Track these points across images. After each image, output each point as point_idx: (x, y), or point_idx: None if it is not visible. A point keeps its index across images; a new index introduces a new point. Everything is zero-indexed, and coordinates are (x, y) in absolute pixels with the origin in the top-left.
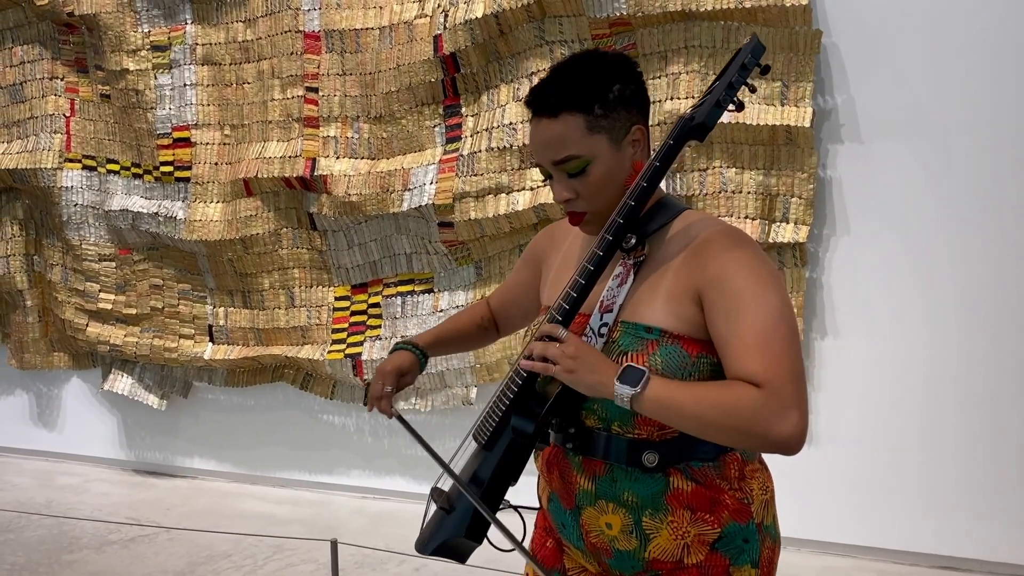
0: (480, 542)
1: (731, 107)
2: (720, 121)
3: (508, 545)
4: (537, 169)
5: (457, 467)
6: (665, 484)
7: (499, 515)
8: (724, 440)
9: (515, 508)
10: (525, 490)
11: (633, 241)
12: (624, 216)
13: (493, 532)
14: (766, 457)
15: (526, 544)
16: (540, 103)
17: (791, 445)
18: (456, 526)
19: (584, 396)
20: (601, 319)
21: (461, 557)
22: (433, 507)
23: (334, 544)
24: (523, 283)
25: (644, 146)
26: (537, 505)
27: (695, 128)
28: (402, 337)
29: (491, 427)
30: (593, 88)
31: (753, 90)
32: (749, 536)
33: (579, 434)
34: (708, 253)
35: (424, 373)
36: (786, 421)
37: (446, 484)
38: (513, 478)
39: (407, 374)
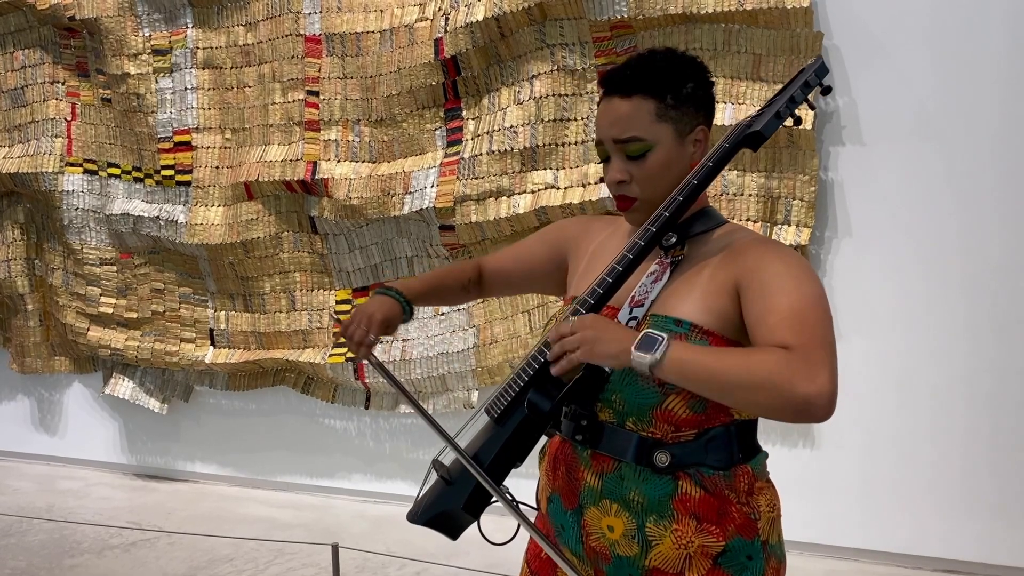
0: (477, 517)
1: (789, 122)
2: (721, 123)
3: (500, 539)
4: (596, 150)
5: (462, 441)
6: (673, 487)
7: (492, 509)
8: (745, 400)
9: (516, 502)
10: (524, 494)
11: (674, 240)
12: (670, 210)
13: (487, 523)
14: (772, 467)
15: (521, 549)
16: (616, 82)
17: (816, 406)
18: (456, 497)
19: (602, 388)
20: (631, 313)
21: (453, 532)
22: (433, 477)
23: (335, 548)
24: (534, 253)
25: (704, 149)
26: (536, 510)
27: (751, 136)
28: (386, 283)
29: (505, 402)
30: (669, 79)
31: (813, 108)
32: (753, 553)
33: (591, 427)
34: (748, 250)
35: (426, 377)
36: (814, 380)
37: (448, 458)
38: (520, 457)
39: (391, 325)
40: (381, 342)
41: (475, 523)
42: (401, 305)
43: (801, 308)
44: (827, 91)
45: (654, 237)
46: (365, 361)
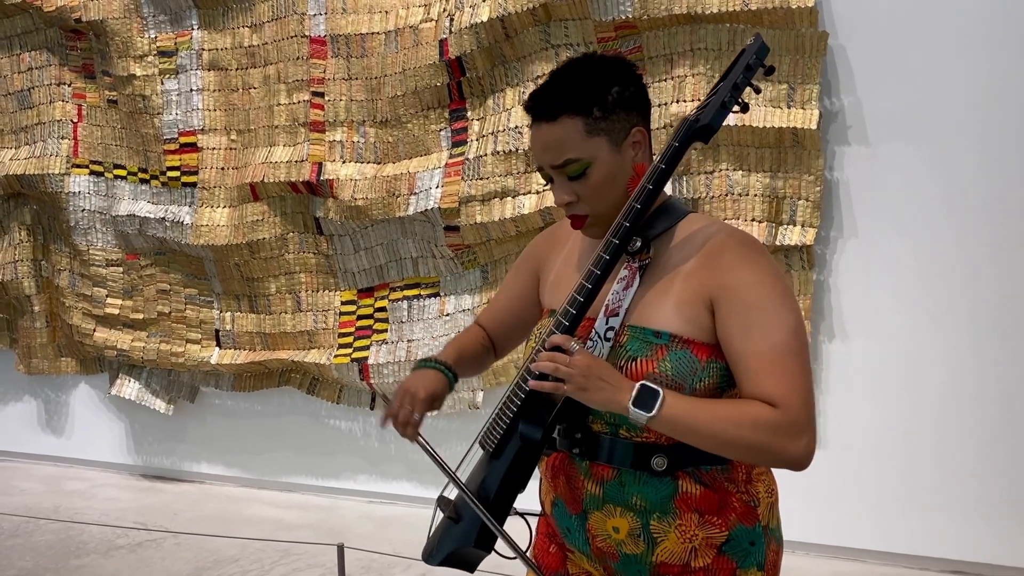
0: (489, 551)
1: (736, 108)
2: (726, 124)
3: (512, 552)
4: (539, 173)
5: (463, 474)
6: (674, 488)
7: (505, 520)
8: (737, 456)
9: (521, 515)
10: (528, 494)
11: (639, 244)
12: (630, 219)
13: (499, 540)
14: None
15: (529, 553)
16: (539, 108)
17: (802, 464)
18: (464, 536)
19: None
20: (607, 323)
21: (470, 566)
22: (440, 516)
23: (341, 549)
24: (519, 295)
25: (645, 148)
26: (540, 510)
27: (700, 130)
28: (423, 355)
29: (498, 435)
30: (591, 91)
31: (758, 91)
32: (755, 539)
33: (586, 439)
34: (722, 261)
35: None
36: (799, 442)
37: (452, 493)
38: (521, 486)
39: (438, 400)
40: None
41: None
42: (446, 377)
43: (781, 348)
44: (769, 71)
45: (617, 249)
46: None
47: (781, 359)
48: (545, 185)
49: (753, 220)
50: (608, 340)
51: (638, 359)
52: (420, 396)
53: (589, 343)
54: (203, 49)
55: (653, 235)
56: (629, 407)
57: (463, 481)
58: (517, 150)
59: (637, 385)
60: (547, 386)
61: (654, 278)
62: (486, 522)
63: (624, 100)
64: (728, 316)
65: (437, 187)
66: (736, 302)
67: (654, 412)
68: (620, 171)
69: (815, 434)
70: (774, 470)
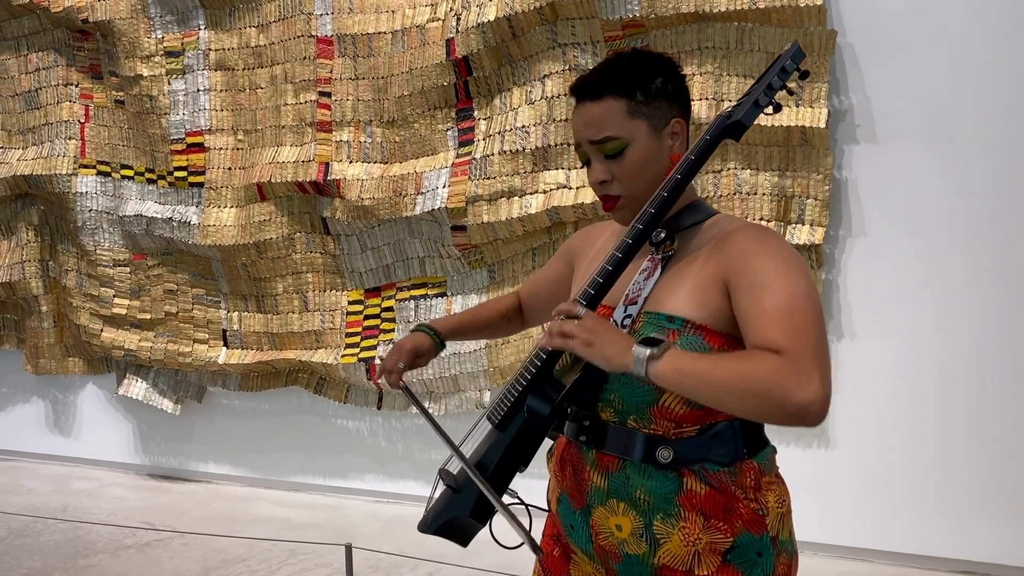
0: (485, 524)
1: (768, 109)
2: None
3: (511, 542)
4: (576, 153)
5: (468, 448)
6: (678, 484)
7: (503, 493)
8: (741, 408)
9: (525, 505)
10: (535, 493)
11: (663, 235)
12: (656, 206)
13: (497, 525)
14: (784, 467)
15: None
16: (584, 88)
17: (810, 413)
18: (462, 505)
19: (601, 387)
20: (625, 311)
21: (463, 539)
22: (441, 487)
23: (348, 548)
24: (554, 276)
25: (683, 140)
26: (547, 510)
27: (731, 126)
28: (422, 321)
29: (506, 407)
30: (636, 77)
31: (791, 93)
32: (763, 549)
33: (594, 427)
34: (734, 242)
35: (438, 377)
36: (806, 387)
37: (455, 466)
38: (523, 461)
39: (422, 356)
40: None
41: (485, 528)
42: (433, 340)
43: (790, 307)
44: (804, 75)
45: (642, 234)
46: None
47: (789, 311)
48: (581, 166)
49: (761, 219)
50: (625, 327)
51: None
52: (405, 347)
53: None
54: (210, 49)
55: (678, 228)
56: (633, 347)
57: (466, 455)
58: (524, 149)
59: (643, 336)
60: (555, 341)
61: (674, 268)
62: (483, 491)
63: (667, 91)
64: (738, 285)
65: (444, 187)
66: (744, 270)
67: (657, 351)
68: (656, 157)
69: (827, 383)
70: (786, 469)
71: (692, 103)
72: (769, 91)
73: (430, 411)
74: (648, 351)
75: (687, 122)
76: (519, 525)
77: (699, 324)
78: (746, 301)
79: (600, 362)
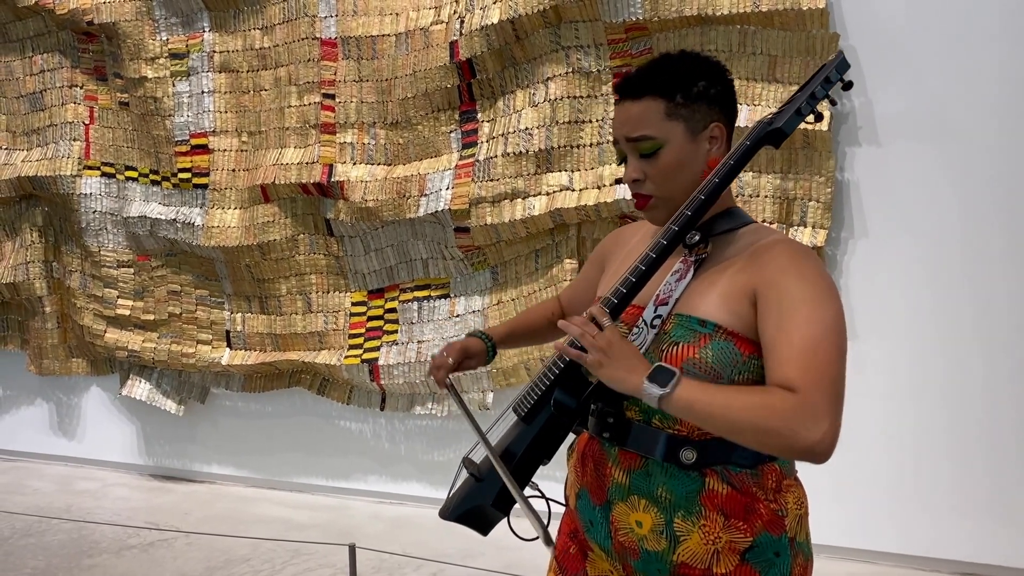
0: (506, 513)
1: (809, 118)
2: (738, 125)
3: (526, 534)
4: (614, 148)
5: (492, 437)
6: (701, 483)
7: (526, 485)
8: (751, 442)
9: (546, 498)
10: (554, 488)
11: (697, 238)
12: (692, 209)
13: (516, 521)
14: (800, 468)
15: (537, 550)
16: (628, 86)
17: (817, 454)
18: (484, 494)
19: None
20: (655, 311)
21: (484, 528)
22: (464, 474)
23: (353, 549)
24: (588, 280)
25: (722, 145)
26: (564, 505)
27: (772, 133)
28: (473, 329)
29: (532, 400)
30: (678, 78)
31: (834, 103)
32: (781, 550)
33: (618, 424)
34: (769, 256)
35: None
36: (815, 429)
37: (478, 455)
38: (547, 455)
39: (472, 358)
40: (461, 373)
41: (504, 519)
42: (485, 345)
43: (813, 344)
44: (848, 86)
45: (676, 236)
46: (445, 389)
47: (812, 348)
48: (618, 163)
49: (764, 221)
50: (654, 328)
51: (680, 344)
52: (456, 346)
53: (636, 329)
54: (214, 51)
55: (713, 232)
56: (643, 382)
57: (491, 443)
58: (527, 152)
59: (654, 365)
60: (571, 352)
61: (707, 272)
62: (506, 482)
63: (708, 95)
64: (767, 306)
65: (447, 188)
66: (776, 293)
67: (668, 389)
68: (692, 160)
69: (837, 426)
70: (803, 480)
71: None
72: (812, 100)
73: (435, 413)
74: (660, 392)
75: (729, 127)
76: (537, 517)
77: (731, 330)
78: (773, 323)
79: (610, 383)
